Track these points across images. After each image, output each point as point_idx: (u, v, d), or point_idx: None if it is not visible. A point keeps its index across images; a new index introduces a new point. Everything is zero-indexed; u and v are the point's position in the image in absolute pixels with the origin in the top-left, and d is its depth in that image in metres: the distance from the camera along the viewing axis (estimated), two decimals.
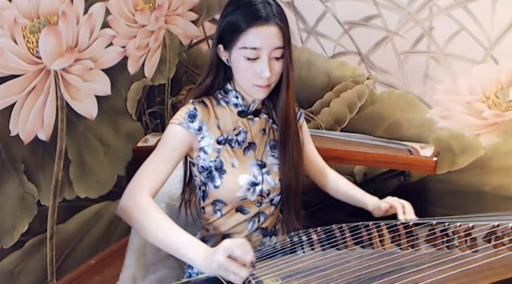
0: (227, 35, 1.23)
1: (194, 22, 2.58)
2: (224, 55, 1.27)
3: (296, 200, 1.37)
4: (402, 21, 2.15)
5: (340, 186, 1.52)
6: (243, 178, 1.29)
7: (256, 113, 1.34)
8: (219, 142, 1.29)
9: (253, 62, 1.21)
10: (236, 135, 1.31)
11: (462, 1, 2.03)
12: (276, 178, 1.34)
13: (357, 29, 2.25)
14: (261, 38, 1.19)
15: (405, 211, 1.35)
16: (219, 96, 1.32)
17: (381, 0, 2.16)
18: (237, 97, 1.30)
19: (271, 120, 1.37)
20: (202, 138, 1.27)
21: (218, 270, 1.03)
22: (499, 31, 2.00)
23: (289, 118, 1.33)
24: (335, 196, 1.54)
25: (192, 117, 1.26)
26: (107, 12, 2.10)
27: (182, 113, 1.27)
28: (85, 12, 1.99)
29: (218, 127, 1.30)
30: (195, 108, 1.27)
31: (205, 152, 1.28)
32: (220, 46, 1.26)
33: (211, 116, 1.29)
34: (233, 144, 1.31)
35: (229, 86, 1.31)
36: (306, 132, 1.49)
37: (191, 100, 1.29)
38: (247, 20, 1.19)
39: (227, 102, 1.32)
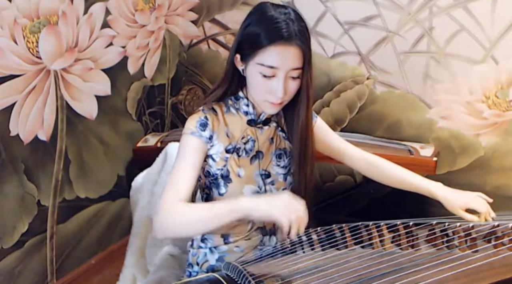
0: (246, 47, 1.21)
1: (194, 22, 2.58)
2: (240, 65, 1.26)
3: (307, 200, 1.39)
4: (402, 21, 2.15)
5: (392, 172, 1.46)
6: (247, 188, 1.29)
7: (266, 122, 1.33)
8: (227, 151, 1.29)
9: (269, 79, 1.19)
10: (244, 143, 1.31)
11: (462, 1, 2.03)
12: (281, 188, 1.34)
13: (357, 29, 2.25)
14: (280, 57, 1.17)
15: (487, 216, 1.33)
16: (230, 102, 1.32)
17: (381, 0, 2.16)
18: (248, 105, 1.30)
19: (279, 128, 1.36)
20: (212, 146, 1.27)
21: (281, 204, 1.09)
22: (499, 31, 2.00)
23: (308, 136, 1.32)
24: (385, 183, 1.47)
25: (203, 126, 1.26)
26: (107, 12, 2.10)
27: (193, 122, 1.26)
28: (85, 12, 1.99)
29: (227, 135, 1.29)
30: (205, 117, 1.26)
31: (213, 160, 1.28)
32: (237, 56, 1.25)
33: (220, 124, 1.29)
34: (240, 153, 1.30)
35: (241, 94, 1.30)
36: (326, 129, 1.47)
37: (201, 108, 1.29)
38: (268, 37, 1.17)
39: (237, 109, 1.31)
